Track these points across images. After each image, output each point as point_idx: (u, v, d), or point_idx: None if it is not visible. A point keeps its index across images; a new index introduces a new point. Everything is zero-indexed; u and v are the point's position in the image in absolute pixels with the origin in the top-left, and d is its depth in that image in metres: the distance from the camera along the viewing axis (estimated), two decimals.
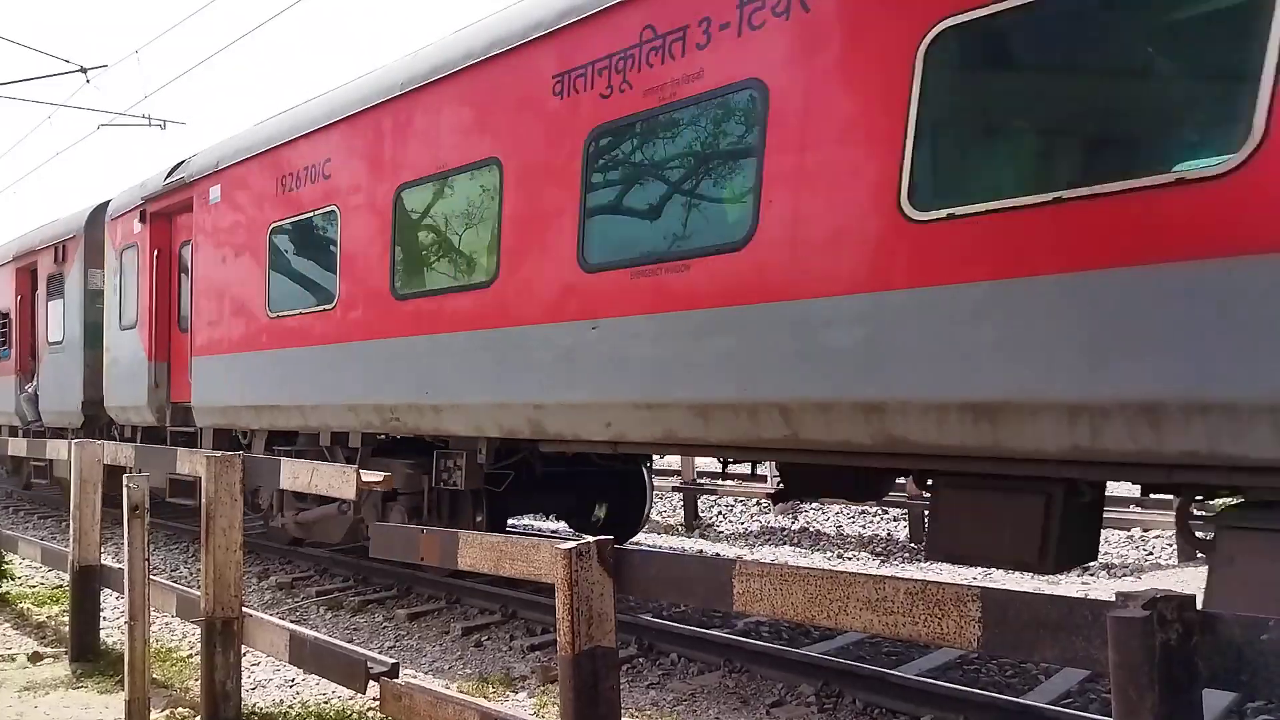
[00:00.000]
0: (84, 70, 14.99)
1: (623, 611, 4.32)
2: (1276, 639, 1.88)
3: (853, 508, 12.51)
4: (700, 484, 13.40)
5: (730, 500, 13.60)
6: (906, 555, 10.60)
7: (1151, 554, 9.99)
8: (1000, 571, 8.18)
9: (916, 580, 2.38)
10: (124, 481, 4.82)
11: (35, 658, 6.39)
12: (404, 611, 7.66)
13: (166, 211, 10.73)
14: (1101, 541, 10.33)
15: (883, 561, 10.40)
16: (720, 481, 13.49)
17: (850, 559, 10.53)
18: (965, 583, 3.32)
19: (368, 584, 8.81)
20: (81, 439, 8.02)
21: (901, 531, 11.51)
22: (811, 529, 12.16)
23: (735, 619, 7.05)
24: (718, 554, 10.67)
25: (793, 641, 6.49)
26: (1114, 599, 2.00)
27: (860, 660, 5.86)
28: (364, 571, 9.04)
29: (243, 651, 4.97)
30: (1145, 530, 10.50)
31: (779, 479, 6.98)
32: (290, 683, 5.90)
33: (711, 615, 7.24)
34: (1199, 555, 5.52)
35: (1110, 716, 1.99)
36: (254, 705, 5.31)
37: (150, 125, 17.15)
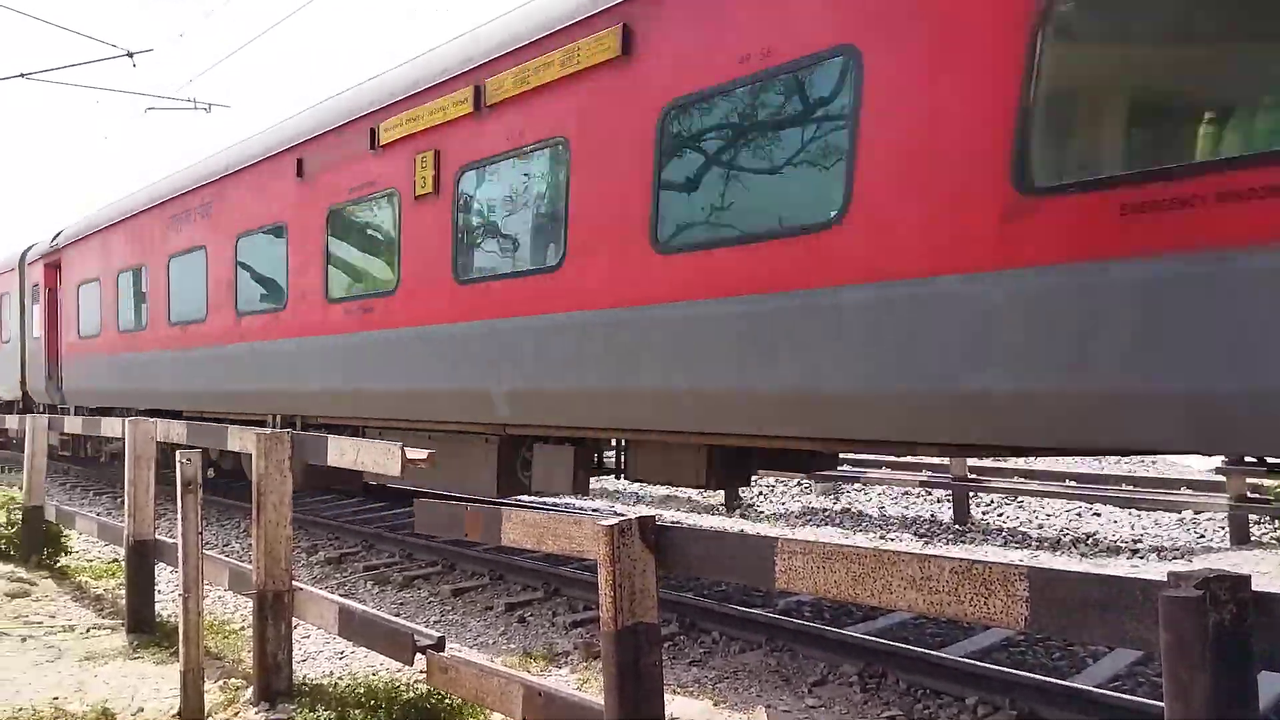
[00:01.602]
0: (130, 54, 15.22)
1: (664, 589, 4.36)
2: None
3: (895, 489, 12.43)
4: None
5: (771, 480, 13.57)
6: (950, 537, 10.51)
7: (1203, 537, 9.79)
8: None
9: (963, 559, 2.35)
10: (177, 457, 4.93)
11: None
12: (449, 587, 7.77)
13: (54, 263, 15.64)
14: (1152, 524, 10.23)
15: (926, 542, 10.33)
16: None
17: (893, 540, 10.47)
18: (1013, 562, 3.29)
19: (413, 560, 8.95)
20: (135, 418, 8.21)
21: (946, 513, 11.42)
22: (854, 509, 12.11)
23: (777, 598, 7.05)
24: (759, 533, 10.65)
25: (835, 621, 6.48)
26: (1165, 579, 1.97)
27: (904, 642, 5.83)
28: (410, 548, 9.18)
29: (293, 624, 5.08)
30: (1197, 513, 10.29)
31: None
32: (340, 655, 6.03)
33: (752, 594, 7.25)
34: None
35: (1160, 699, 1.96)
36: (305, 676, 5.42)
37: (196, 109, 17.41)
